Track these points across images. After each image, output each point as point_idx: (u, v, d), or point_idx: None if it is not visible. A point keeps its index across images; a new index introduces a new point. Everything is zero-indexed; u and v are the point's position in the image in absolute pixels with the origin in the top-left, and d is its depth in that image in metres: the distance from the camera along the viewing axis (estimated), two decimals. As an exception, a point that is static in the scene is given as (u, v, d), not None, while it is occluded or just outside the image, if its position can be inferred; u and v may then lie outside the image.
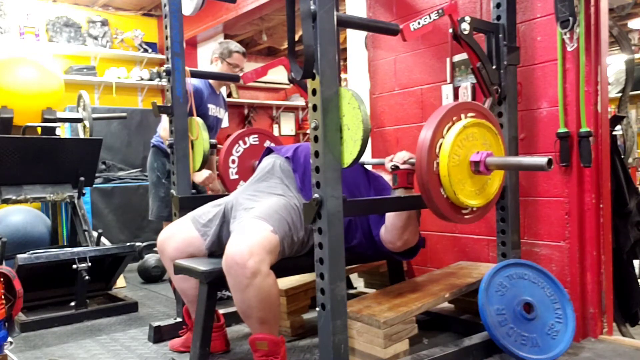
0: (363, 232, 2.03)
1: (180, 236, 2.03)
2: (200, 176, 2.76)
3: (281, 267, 1.80)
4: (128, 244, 3.07)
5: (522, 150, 2.19)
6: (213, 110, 3.10)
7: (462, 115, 1.65)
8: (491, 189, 1.72)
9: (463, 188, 1.62)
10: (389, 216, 1.93)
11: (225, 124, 3.39)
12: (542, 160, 1.50)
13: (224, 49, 3.09)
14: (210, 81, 3.09)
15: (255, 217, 1.82)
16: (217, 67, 3.10)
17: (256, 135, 2.67)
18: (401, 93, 2.76)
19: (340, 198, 1.49)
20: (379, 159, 2.09)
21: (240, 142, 2.62)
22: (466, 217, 1.69)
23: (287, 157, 2.08)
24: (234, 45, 3.11)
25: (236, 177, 2.59)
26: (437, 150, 1.58)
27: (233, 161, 2.59)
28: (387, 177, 2.27)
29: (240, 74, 2.93)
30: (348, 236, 2.01)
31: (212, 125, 3.09)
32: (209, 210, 2.07)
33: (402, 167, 1.85)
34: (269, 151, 2.24)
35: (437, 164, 1.58)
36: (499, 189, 1.76)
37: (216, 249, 2.02)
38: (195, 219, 2.06)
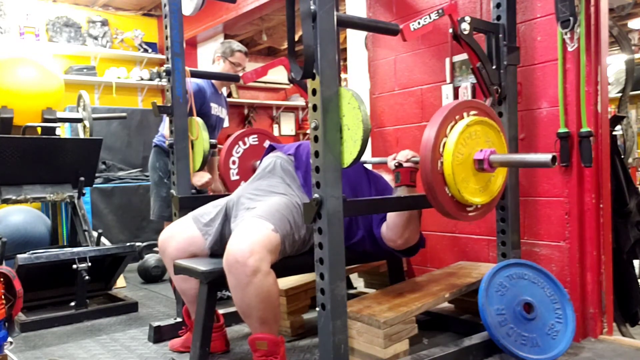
0: (365, 228, 2.04)
1: (182, 236, 2.03)
2: (199, 178, 2.75)
3: (282, 267, 1.80)
4: (128, 244, 3.07)
5: (522, 150, 2.19)
6: (215, 109, 3.11)
7: (465, 114, 1.65)
8: (494, 186, 1.73)
9: (467, 186, 1.63)
10: (391, 215, 1.93)
11: (225, 123, 3.39)
12: (546, 157, 1.51)
13: (226, 48, 3.10)
14: (213, 80, 3.10)
15: (257, 216, 1.82)
16: (220, 67, 3.11)
17: (255, 136, 2.67)
18: (401, 93, 2.76)
19: (340, 198, 1.49)
20: (381, 158, 2.08)
21: (240, 142, 2.62)
22: (470, 214, 1.70)
23: (289, 155, 2.08)
24: (236, 45, 3.13)
25: (237, 177, 2.59)
26: (441, 149, 1.59)
27: (234, 162, 2.59)
28: (388, 178, 2.27)
29: (241, 74, 2.94)
30: (349, 233, 2.02)
31: (214, 125, 3.10)
32: (210, 210, 2.07)
33: (405, 165, 1.87)
34: (271, 149, 2.25)
35: (441, 163, 1.59)
36: (502, 186, 1.76)
37: (218, 249, 2.01)
38: (197, 219, 2.06)
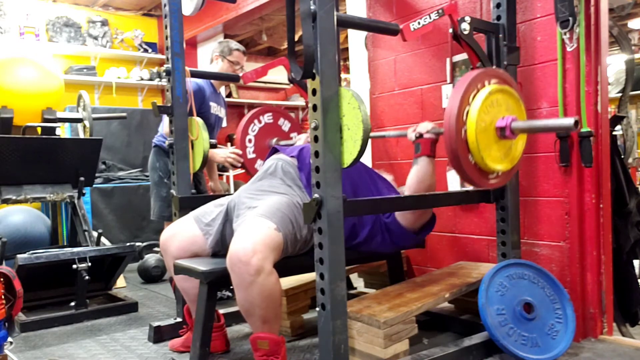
0: (373, 225, 2.05)
1: (184, 235, 2.03)
2: (222, 152, 2.75)
3: (282, 267, 1.80)
4: (128, 244, 3.07)
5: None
6: (214, 108, 3.11)
7: (486, 82, 1.68)
8: (515, 152, 1.77)
9: (490, 153, 1.67)
10: (410, 188, 2.01)
11: (224, 123, 3.39)
12: (568, 120, 1.53)
13: (224, 47, 3.10)
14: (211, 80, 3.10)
15: (259, 215, 1.82)
16: (218, 66, 3.11)
17: (270, 114, 2.72)
18: (401, 93, 2.76)
19: (340, 198, 1.49)
20: (399, 131, 2.10)
21: (256, 120, 2.66)
22: (492, 181, 1.74)
23: (292, 157, 2.09)
24: (234, 44, 3.13)
25: (254, 155, 2.64)
26: (465, 117, 1.62)
27: (250, 140, 2.63)
28: (389, 178, 2.27)
29: (241, 73, 2.93)
30: (353, 233, 2.02)
31: (213, 124, 3.10)
32: (211, 210, 2.07)
33: (426, 136, 1.95)
34: (274, 151, 2.25)
35: (465, 131, 1.62)
36: (522, 153, 1.81)
37: (219, 248, 2.02)
38: (198, 218, 2.06)
